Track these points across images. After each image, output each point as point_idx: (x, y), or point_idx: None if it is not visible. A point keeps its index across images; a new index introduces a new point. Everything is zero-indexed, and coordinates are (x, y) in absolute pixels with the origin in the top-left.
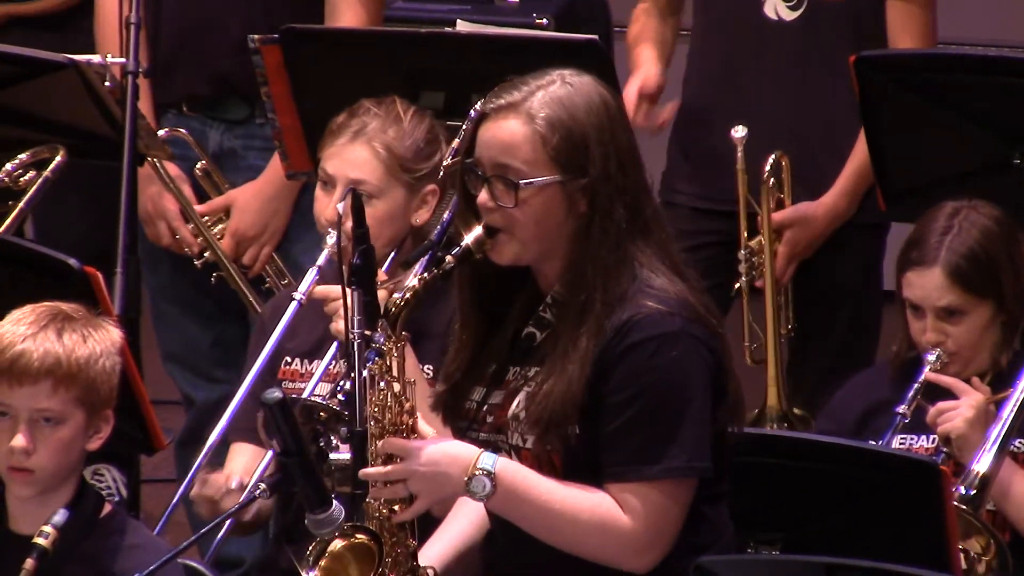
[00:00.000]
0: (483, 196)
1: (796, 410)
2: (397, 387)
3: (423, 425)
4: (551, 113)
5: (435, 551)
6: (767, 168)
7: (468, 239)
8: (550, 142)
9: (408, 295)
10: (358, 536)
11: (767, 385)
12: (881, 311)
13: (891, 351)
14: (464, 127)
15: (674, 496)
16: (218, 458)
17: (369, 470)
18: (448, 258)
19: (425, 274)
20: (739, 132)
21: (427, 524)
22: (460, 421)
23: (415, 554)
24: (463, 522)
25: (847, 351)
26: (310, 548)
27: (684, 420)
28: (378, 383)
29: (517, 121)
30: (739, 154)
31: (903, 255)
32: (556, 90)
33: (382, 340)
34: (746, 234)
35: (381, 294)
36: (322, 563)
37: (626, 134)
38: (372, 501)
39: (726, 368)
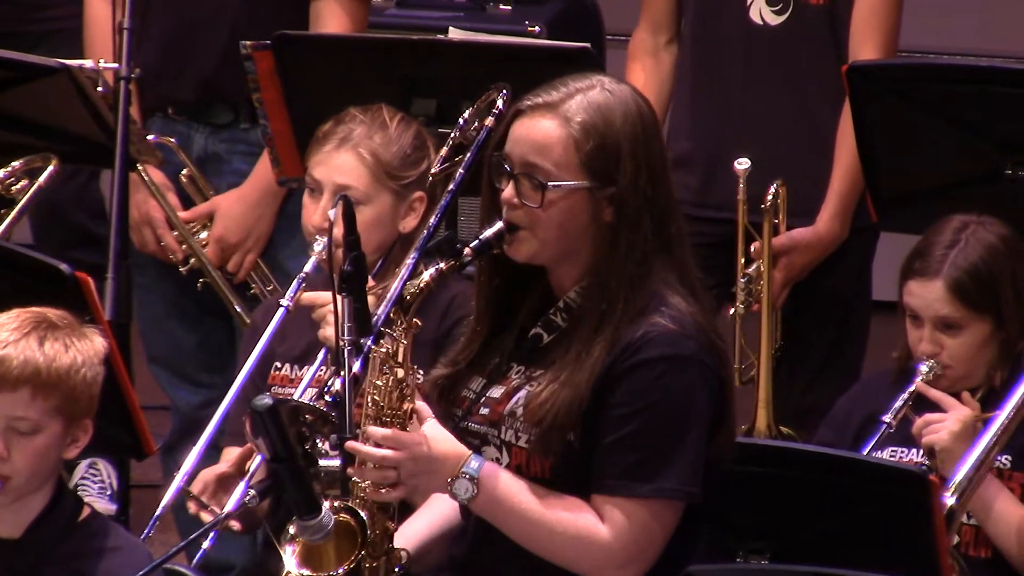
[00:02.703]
0: (508, 192)
1: (782, 428)
2: (400, 373)
3: (422, 406)
4: (587, 118)
5: (414, 529)
6: (768, 198)
7: (489, 232)
8: (583, 147)
9: (423, 285)
10: (341, 516)
11: (757, 407)
12: (870, 316)
13: (892, 359)
14: (484, 108)
15: (660, 517)
16: (208, 463)
17: (360, 447)
18: (466, 251)
19: (443, 265)
20: (743, 164)
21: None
22: (454, 408)
23: (392, 536)
24: (444, 504)
25: (834, 356)
26: (290, 523)
27: (683, 444)
28: (382, 367)
29: (553, 122)
30: (741, 185)
31: (907, 264)
32: (595, 95)
33: (388, 326)
34: (743, 260)
35: (370, 300)
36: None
37: (659, 147)
38: (359, 481)
39: (729, 397)
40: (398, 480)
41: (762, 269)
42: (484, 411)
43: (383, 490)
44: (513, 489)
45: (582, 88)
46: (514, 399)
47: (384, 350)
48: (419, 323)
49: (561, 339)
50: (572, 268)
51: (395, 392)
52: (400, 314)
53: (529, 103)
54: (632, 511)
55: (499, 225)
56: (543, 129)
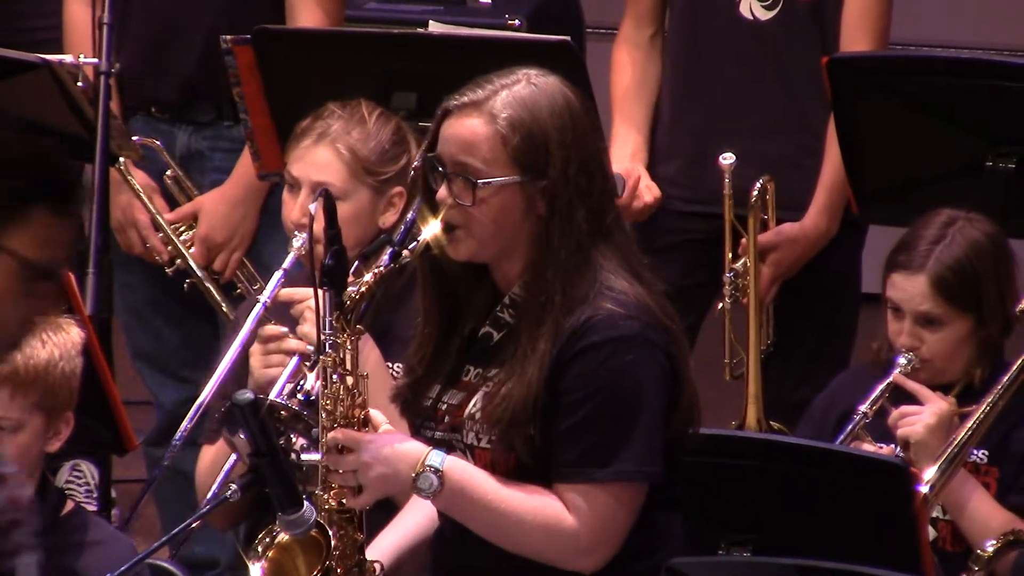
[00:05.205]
0: (442, 192)
1: (773, 424)
2: (350, 380)
3: (375, 414)
4: (513, 114)
5: (388, 542)
6: (754, 193)
7: (426, 234)
8: (510, 142)
9: (363, 288)
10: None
11: (747, 403)
12: (858, 311)
13: (871, 351)
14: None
15: (622, 500)
16: (187, 458)
17: (313, 458)
18: (405, 253)
19: (381, 268)
20: (728, 159)
21: (379, 517)
22: (417, 417)
23: (362, 547)
24: (418, 514)
25: (824, 350)
26: (258, 539)
27: (636, 424)
28: (331, 375)
29: (479, 120)
30: (726, 180)
31: (892, 256)
32: (520, 90)
33: (335, 333)
34: (731, 255)
35: None
36: (270, 554)
37: (590, 138)
38: (321, 493)
39: (682, 374)
40: (360, 484)
41: (748, 265)
42: (447, 419)
43: (346, 500)
44: (478, 480)
45: (507, 84)
46: (472, 402)
47: (331, 358)
48: (362, 328)
49: (510, 336)
50: (514, 264)
51: (347, 399)
52: (342, 320)
53: (456, 102)
54: (593, 496)
55: (436, 225)
56: (470, 127)
